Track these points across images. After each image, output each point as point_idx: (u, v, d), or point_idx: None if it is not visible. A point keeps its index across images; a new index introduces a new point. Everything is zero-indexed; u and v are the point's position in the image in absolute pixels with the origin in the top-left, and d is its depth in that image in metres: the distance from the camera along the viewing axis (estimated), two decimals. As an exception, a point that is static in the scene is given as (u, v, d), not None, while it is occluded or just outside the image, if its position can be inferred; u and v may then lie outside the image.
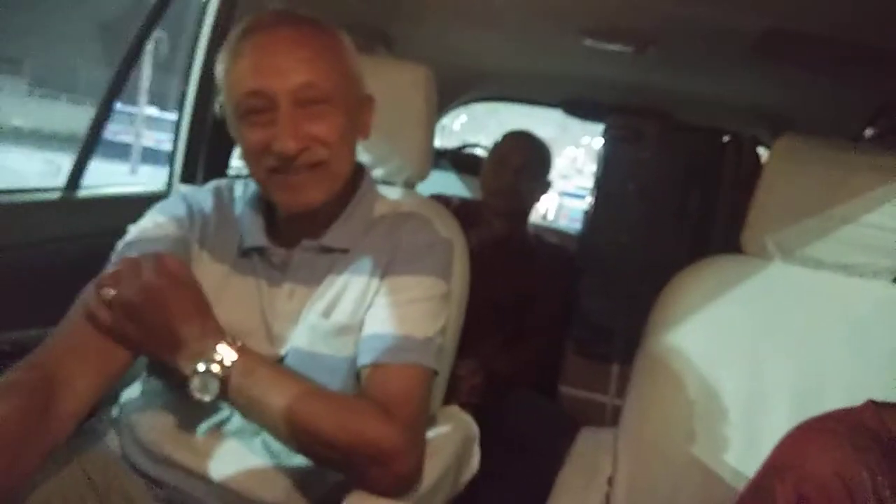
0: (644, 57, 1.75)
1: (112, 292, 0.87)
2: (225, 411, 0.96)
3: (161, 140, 9.73)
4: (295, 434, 0.86)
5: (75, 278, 0.94)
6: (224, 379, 0.86)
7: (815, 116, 1.92)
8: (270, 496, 0.94)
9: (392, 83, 1.10)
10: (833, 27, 1.35)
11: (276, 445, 0.94)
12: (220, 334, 0.89)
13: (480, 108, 2.63)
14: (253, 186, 1.05)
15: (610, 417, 1.89)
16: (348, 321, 0.96)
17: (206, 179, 1.60)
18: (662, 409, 1.18)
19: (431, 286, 0.98)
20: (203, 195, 1.07)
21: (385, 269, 0.98)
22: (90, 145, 1.47)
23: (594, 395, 1.95)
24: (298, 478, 0.95)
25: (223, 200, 1.06)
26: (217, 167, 1.71)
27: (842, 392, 1.14)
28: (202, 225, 1.03)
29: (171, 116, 1.70)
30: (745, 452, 1.14)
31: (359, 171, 1.07)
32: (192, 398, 0.87)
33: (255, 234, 1.01)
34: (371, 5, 1.61)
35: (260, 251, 1.01)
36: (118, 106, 1.53)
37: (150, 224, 1.01)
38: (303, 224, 1.00)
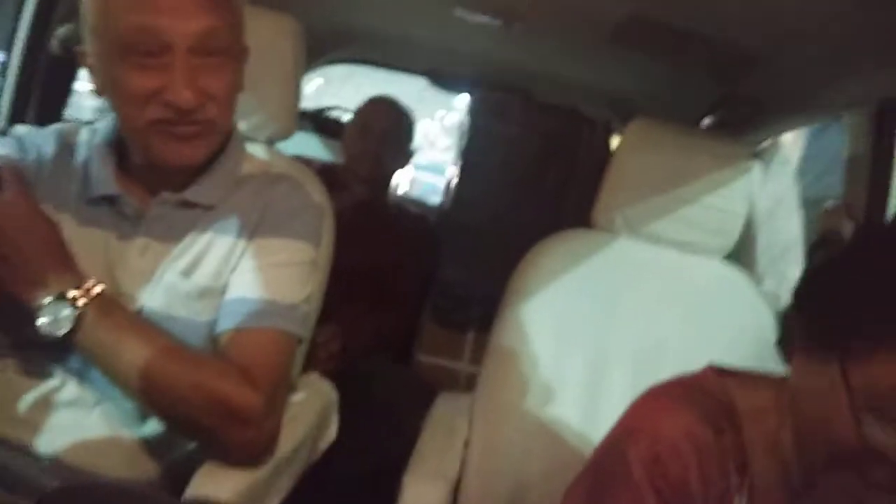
0: (511, 32, 1.78)
1: None
2: (55, 380, 0.88)
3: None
4: (147, 390, 0.81)
5: None
6: (77, 317, 0.79)
7: (659, 103, 2.05)
8: (111, 469, 0.87)
9: (257, 33, 1.03)
10: (684, 20, 1.44)
11: (117, 416, 0.87)
12: (78, 271, 0.82)
13: (336, 72, 2.56)
14: (102, 132, 0.95)
15: (464, 384, 1.95)
16: (211, 283, 0.91)
17: (38, 125, 1.45)
18: (516, 376, 1.23)
19: (300, 251, 0.95)
20: (42, 137, 0.96)
21: (253, 231, 0.93)
22: None
23: (449, 363, 1.99)
24: (141, 450, 0.89)
25: (66, 145, 0.96)
26: (51, 112, 1.54)
27: (676, 361, 1.23)
28: (38, 169, 0.92)
29: None
30: (588, 417, 1.22)
31: None
32: (21, 353, 0.81)
33: (104, 181, 0.92)
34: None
35: (110, 200, 0.92)
36: None
37: None
38: (162, 175, 0.92)
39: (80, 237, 0.90)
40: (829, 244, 1.46)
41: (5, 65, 1.50)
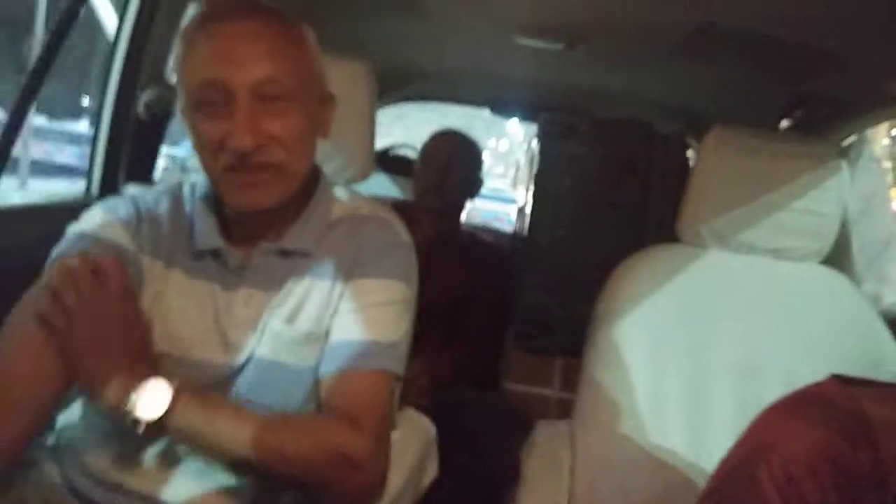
0: (574, 54, 1.79)
1: (45, 306, 0.82)
2: None
3: (51, 152, 9.18)
4: (265, 460, 0.82)
5: None
6: (174, 398, 0.81)
7: (732, 110, 2.01)
8: None
9: (331, 78, 1.07)
10: (751, 26, 1.41)
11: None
12: (151, 369, 0.84)
13: (387, 112, 2.60)
14: (203, 185, 0.99)
15: (555, 410, 1.92)
16: (314, 328, 0.93)
17: (128, 184, 1.52)
18: (614, 399, 1.21)
19: (395, 289, 0.96)
20: (153, 195, 1.00)
21: (348, 273, 0.95)
22: (2, 156, 1.37)
23: (539, 390, 1.97)
24: (256, 495, 0.91)
25: (173, 200, 1.00)
26: (140, 174, 1.62)
27: (782, 372, 1.20)
28: (152, 227, 0.96)
29: (63, 127, 1.61)
30: (692, 435, 1.19)
31: (314, 171, 1.02)
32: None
33: (208, 234, 0.95)
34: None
35: (214, 253, 0.95)
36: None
37: (94, 223, 0.93)
38: (258, 225, 0.95)
39: (190, 290, 0.94)
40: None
41: (96, 131, 1.59)
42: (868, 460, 0.69)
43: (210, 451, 0.84)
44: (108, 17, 1.59)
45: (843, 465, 0.68)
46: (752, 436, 0.75)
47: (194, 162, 0.95)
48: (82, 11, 1.40)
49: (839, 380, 0.77)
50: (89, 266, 0.85)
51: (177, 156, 5.25)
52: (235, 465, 0.85)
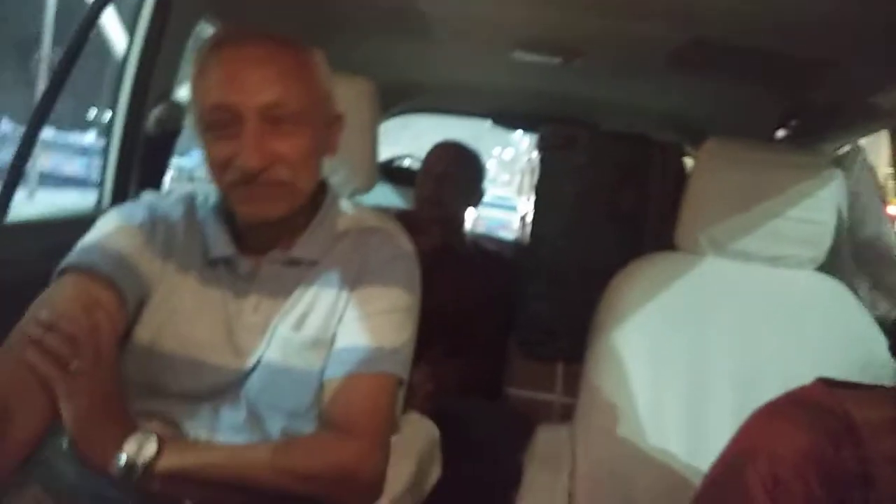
0: (571, 68, 1.83)
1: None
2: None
3: (59, 163, 9.25)
4: (279, 483, 0.87)
5: (9, 302, 0.90)
6: (159, 444, 0.84)
7: (728, 121, 2.05)
8: None
9: (337, 96, 1.11)
10: (745, 38, 1.45)
11: None
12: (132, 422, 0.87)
13: (393, 123, 2.65)
14: (215, 195, 1.03)
15: (558, 415, 1.94)
16: (320, 334, 0.96)
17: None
18: (615, 403, 1.23)
19: (398, 297, 0.99)
20: (168, 203, 1.04)
21: (354, 282, 0.98)
22: (18, 170, 1.41)
23: (541, 395, 2.00)
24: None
25: (188, 209, 1.04)
26: (150, 187, 1.66)
27: (779, 378, 1.21)
28: (166, 232, 1.00)
29: (70, 139, 1.65)
30: (693, 440, 1.21)
31: (322, 184, 1.07)
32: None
33: (221, 243, 0.99)
34: (304, 18, 1.61)
35: (226, 261, 0.99)
36: (10, 129, 1.45)
37: (105, 230, 0.97)
38: (268, 236, 0.99)
39: (202, 296, 0.98)
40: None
41: (107, 146, 1.63)
42: (852, 459, 0.72)
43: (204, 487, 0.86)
44: (116, 36, 1.63)
45: (829, 465, 0.71)
46: (740, 439, 0.78)
47: (202, 171, 0.99)
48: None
49: (825, 383, 0.80)
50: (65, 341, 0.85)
51: (185, 166, 5.29)
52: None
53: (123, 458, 0.83)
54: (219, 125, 0.91)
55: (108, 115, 1.68)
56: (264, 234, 0.99)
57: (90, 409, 0.85)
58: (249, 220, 0.97)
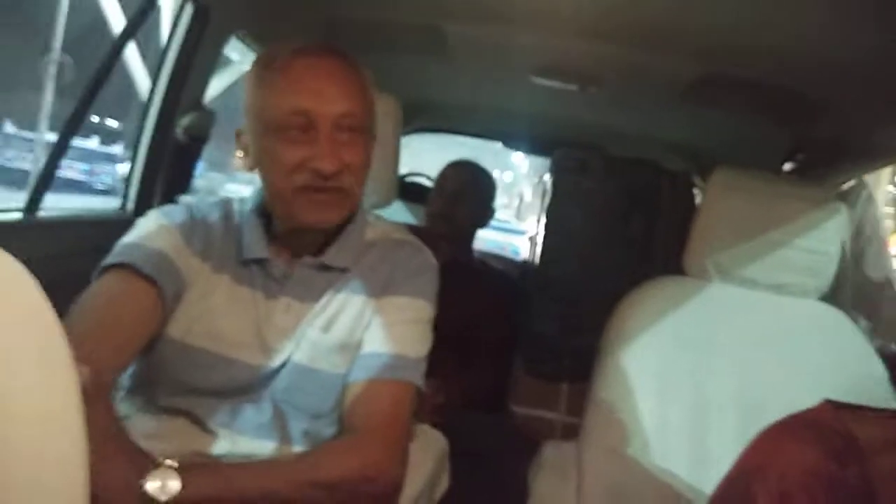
0: (586, 95, 1.88)
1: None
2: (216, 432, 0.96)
3: (62, 167, 9.24)
4: (303, 495, 0.88)
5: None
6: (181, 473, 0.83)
7: (737, 152, 2.10)
8: None
9: None
10: (755, 74, 1.50)
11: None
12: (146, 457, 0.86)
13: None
14: (251, 202, 1.07)
15: (560, 434, 1.97)
16: (347, 338, 1.00)
17: (163, 203, 1.60)
18: (621, 423, 1.26)
19: (423, 309, 1.04)
20: (207, 206, 1.09)
21: (382, 290, 1.03)
22: (51, 169, 1.45)
23: (545, 413, 2.03)
24: None
25: (225, 212, 1.08)
26: (176, 191, 1.70)
27: (781, 402, 1.24)
28: (204, 232, 1.04)
29: (77, 143, 1.69)
30: (696, 460, 1.23)
31: None
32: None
33: (256, 245, 1.03)
34: (333, 36, 1.67)
35: (260, 263, 1.03)
36: (16, 132, 1.50)
37: (146, 230, 1.00)
38: (303, 241, 1.03)
39: (236, 295, 1.01)
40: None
41: (134, 151, 1.67)
42: (856, 476, 0.75)
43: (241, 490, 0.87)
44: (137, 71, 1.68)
45: (833, 482, 0.73)
46: (748, 456, 0.81)
47: (202, 183, 1.02)
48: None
49: (831, 405, 0.83)
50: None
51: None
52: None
53: (148, 497, 0.81)
54: (293, 129, 0.95)
55: (108, 121, 1.72)
56: (300, 239, 1.03)
57: (99, 444, 0.85)
58: (312, 224, 1.00)
